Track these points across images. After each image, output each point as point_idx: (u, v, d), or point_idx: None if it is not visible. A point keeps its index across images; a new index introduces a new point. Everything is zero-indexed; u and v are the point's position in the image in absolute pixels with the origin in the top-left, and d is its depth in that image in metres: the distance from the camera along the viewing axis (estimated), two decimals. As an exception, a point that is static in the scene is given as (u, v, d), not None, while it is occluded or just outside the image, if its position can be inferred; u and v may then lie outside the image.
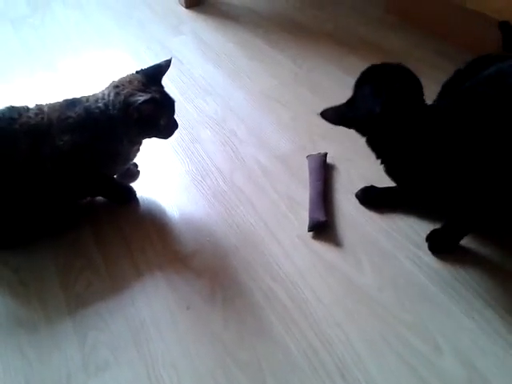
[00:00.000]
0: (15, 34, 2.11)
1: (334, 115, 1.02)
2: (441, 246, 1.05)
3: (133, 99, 1.04)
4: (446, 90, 1.05)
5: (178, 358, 0.92)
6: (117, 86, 1.07)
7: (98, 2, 2.32)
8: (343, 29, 1.89)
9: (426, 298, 0.97)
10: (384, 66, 0.99)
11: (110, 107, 1.06)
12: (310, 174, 1.25)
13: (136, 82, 1.08)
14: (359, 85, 1.01)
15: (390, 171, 1.05)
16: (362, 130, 1.02)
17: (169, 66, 1.15)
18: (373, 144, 1.03)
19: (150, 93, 1.07)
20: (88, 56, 1.91)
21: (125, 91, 1.06)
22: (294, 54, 1.78)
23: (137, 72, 1.14)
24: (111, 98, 1.06)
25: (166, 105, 1.11)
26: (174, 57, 1.80)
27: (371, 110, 0.94)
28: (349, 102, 1.01)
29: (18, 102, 1.11)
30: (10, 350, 0.96)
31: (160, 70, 1.14)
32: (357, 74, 1.57)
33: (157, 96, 1.07)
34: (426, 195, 1.05)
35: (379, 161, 1.04)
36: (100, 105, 1.07)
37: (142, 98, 1.04)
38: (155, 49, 1.91)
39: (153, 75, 1.12)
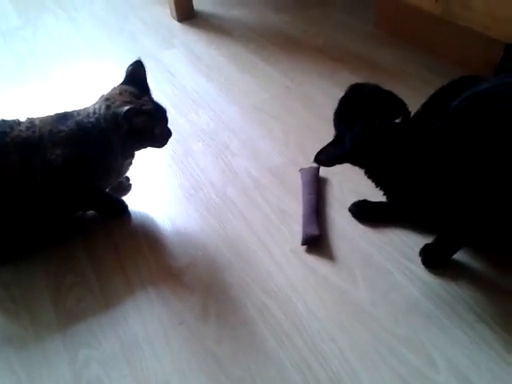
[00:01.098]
0: (6, 47, 2.11)
1: (326, 158, 1.03)
2: (434, 260, 1.05)
3: (119, 110, 1.04)
4: (426, 110, 1.03)
5: (171, 376, 0.91)
6: (107, 99, 1.07)
7: (90, 15, 2.33)
8: (333, 43, 1.90)
9: (420, 312, 0.97)
10: (357, 91, 1.00)
11: (102, 121, 1.06)
12: (303, 187, 1.25)
13: (127, 93, 1.09)
14: (337, 119, 1.03)
15: (389, 196, 1.06)
16: (356, 162, 1.03)
17: (142, 66, 1.16)
18: (371, 174, 1.04)
19: (141, 104, 1.07)
20: (79, 68, 1.91)
21: (115, 104, 1.05)
22: (286, 68, 1.79)
23: (122, 83, 1.14)
24: (102, 111, 1.06)
25: (158, 113, 1.11)
26: (166, 70, 1.84)
27: (355, 137, 0.95)
28: (334, 140, 1.03)
29: (9, 115, 1.11)
30: (0, 367, 0.94)
31: (138, 73, 1.14)
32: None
33: (141, 104, 1.07)
34: (420, 211, 1.05)
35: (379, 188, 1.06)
36: (92, 119, 1.07)
37: (125, 107, 1.03)
38: (147, 62, 1.85)
39: (137, 82, 1.13)
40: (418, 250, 1.07)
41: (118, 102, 1.05)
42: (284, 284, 1.05)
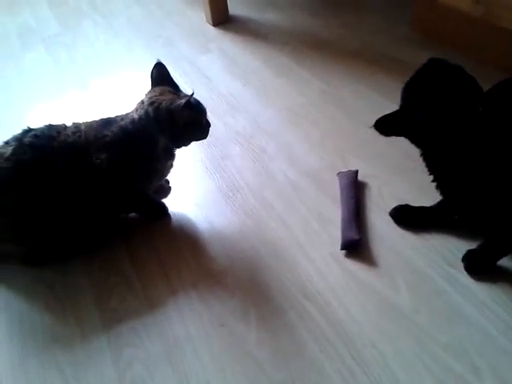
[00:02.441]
0: (47, 53, 2.17)
1: (387, 125, 0.98)
2: (477, 266, 1.03)
3: (174, 105, 1.06)
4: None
5: (212, 377, 0.92)
6: (152, 103, 1.09)
7: (127, 21, 2.37)
8: (369, 47, 1.89)
9: (463, 318, 0.96)
10: (438, 67, 0.97)
11: (151, 123, 1.09)
12: (342, 191, 1.25)
13: (166, 92, 1.11)
14: (409, 90, 0.99)
15: (440, 184, 1.03)
16: (419, 139, 0.99)
17: (164, 66, 1.18)
18: (430, 157, 1.00)
19: (184, 98, 1.09)
20: (118, 74, 1.96)
21: (163, 103, 1.08)
22: (321, 71, 1.78)
23: (153, 87, 1.16)
24: (151, 114, 1.08)
25: (199, 106, 1.14)
26: (203, 75, 1.86)
27: (432, 114, 0.92)
28: (400, 110, 0.98)
29: (51, 121, 1.14)
30: (48, 366, 0.97)
31: (164, 74, 1.17)
32: (385, 92, 1.58)
33: (190, 95, 1.09)
34: (471, 209, 1.02)
35: (431, 177, 1.03)
36: (138, 125, 1.09)
37: (182, 101, 1.06)
38: (184, 66, 1.94)
39: (166, 82, 1.16)
40: (461, 256, 1.05)
41: (165, 101, 1.08)
42: (324, 288, 1.05)
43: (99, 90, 1.85)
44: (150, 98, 1.11)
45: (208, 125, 1.18)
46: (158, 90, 1.13)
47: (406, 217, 1.16)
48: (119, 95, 1.79)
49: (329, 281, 1.06)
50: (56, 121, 1.15)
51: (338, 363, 0.91)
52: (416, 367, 0.89)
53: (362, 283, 1.05)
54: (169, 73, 1.18)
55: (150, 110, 1.08)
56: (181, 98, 1.08)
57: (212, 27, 2.21)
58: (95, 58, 2.09)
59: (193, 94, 1.09)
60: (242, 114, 1.63)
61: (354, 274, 1.07)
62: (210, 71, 1.88)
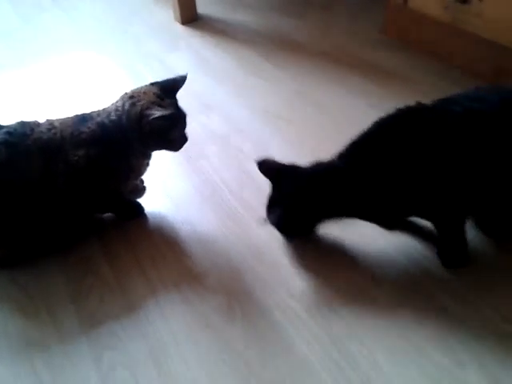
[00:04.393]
0: (6, 48, 2.08)
1: None
2: (451, 259, 1.07)
3: (148, 112, 1.03)
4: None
5: (200, 379, 0.90)
6: (132, 97, 1.06)
7: (92, 17, 2.31)
8: (341, 49, 1.91)
9: (445, 313, 0.98)
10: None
11: (124, 118, 1.05)
12: None
13: (151, 93, 1.08)
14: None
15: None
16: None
17: (184, 81, 1.14)
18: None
19: (164, 106, 1.06)
20: (84, 70, 1.90)
21: (141, 102, 1.05)
22: (295, 72, 1.79)
23: (152, 84, 1.13)
24: (126, 108, 1.05)
25: (178, 119, 1.11)
26: (173, 73, 1.82)
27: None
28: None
29: (13, 116, 1.09)
30: (24, 370, 0.93)
31: (175, 84, 1.13)
32: (358, 92, 1.60)
33: (171, 111, 1.06)
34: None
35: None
36: (114, 118, 1.06)
37: (157, 113, 1.03)
38: (153, 64, 1.90)
39: (167, 89, 1.12)
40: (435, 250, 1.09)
41: (143, 101, 1.04)
42: (308, 287, 1.04)
43: (63, 85, 1.79)
44: (133, 92, 1.08)
45: (183, 139, 1.14)
46: (144, 87, 1.10)
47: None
48: (87, 91, 1.74)
49: (312, 279, 1.06)
50: (18, 116, 1.09)
51: (327, 360, 0.91)
52: (403, 361, 0.90)
53: (344, 279, 1.05)
54: (180, 86, 1.13)
55: (127, 103, 1.05)
56: (160, 108, 1.04)
57: (180, 25, 2.18)
58: (58, 52, 2.02)
59: (170, 109, 1.06)
60: (216, 113, 1.61)
61: (336, 271, 1.07)
62: (181, 69, 1.84)
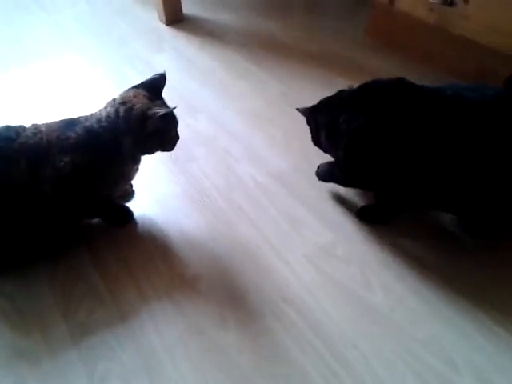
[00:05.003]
0: (-12, 50, 2.04)
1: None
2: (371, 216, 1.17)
3: (151, 112, 1.02)
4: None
5: (194, 387, 0.89)
6: (124, 102, 1.04)
7: (76, 19, 2.27)
8: (325, 50, 1.92)
9: (437, 315, 0.98)
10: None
11: (122, 123, 1.04)
12: None
13: (141, 96, 1.06)
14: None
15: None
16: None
17: (165, 79, 1.14)
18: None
19: (159, 106, 1.05)
20: (69, 72, 1.86)
21: (138, 105, 1.03)
22: (280, 73, 1.79)
23: (135, 87, 1.11)
24: (122, 114, 1.03)
25: (172, 117, 1.10)
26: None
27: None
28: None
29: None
30: (13, 383, 0.90)
31: (157, 83, 1.12)
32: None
33: (172, 109, 1.06)
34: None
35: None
36: (105, 124, 1.04)
37: (161, 111, 1.02)
38: (138, 66, 1.88)
39: (152, 90, 1.11)
40: (431, 253, 1.09)
41: (139, 104, 1.03)
42: (301, 291, 1.04)
43: (49, 90, 1.76)
44: (123, 97, 1.06)
45: (177, 137, 1.14)
46: (132, 91, 1.08)
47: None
48: (72, 93, 1.71)
49: (305, 283, 1.06)
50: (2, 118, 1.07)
51: (321, 365, 0.91)
52: (397, 365, 0.90)
53: (338, 284, 1.05)
54: (163, 85, 1.13)
55: (121, 109, 1.03)
56: (158, 107, 1.04)
57: (165, 26, 2.17)
58: (41, 54, 1.99)
59: (175, 107, 1.06)
60: (203, 114, 1.60)
61: (329, 275, 1.07)
62: (167, 71, 1.81)
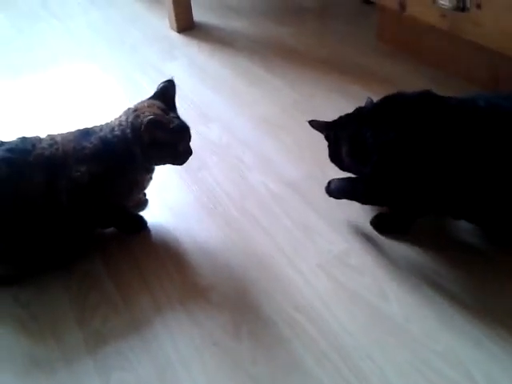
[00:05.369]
0: (1, 58, 2.07)
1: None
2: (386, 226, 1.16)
3: (142, 120, 1.02)
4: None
5: (209, 398, 0.89)
6: (135, 110, 1.05)
7: (88, 27, 2.29)
8: (337, 56, 1.91)
9: (453, 326, 0.97)
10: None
11: (128, 132, 1.04)
12: None
13: (155, 107, 1.07)
14: None
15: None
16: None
17: (175, 86, 1.14)
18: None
19: (169, 120, 1.06)
20: (81, 80, 1.88)
21: (144, 114, 1.04)
22: (292, 80, 1.79)
23: (150, 98, 1.12)
24: (130, 121, 1.04)
25: (182, 131, 1.10)
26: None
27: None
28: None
29: (10, 129, 1.08)
30: (29, 392, 0.91)
31: (169, 93, 1.13)
32: (357, 100, 1.59)
33: (174, 122, 1.07)
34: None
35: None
36: (117, 132, 1.05)
37: (151, 116, 1.02)
38: (150, 73, 1.89)
39: (165, 100, 1.12)
40: (445, 264, 1.08)
41: (146, 113, 1.04)
42: (315, 300, 1.04)
43: (62, 99, 1.77)
44: (137, 106, 1.07)
45: (187, 152, 1.13)
46: (147, 101, 1.09)
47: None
48: (84, 101, 1.73)
49: (319, 292, 1.05)
50: (15, 129, 1.08)
51: (336, 377, 0.90)
52: (413, 377, 0.90)
53: (352, 293, 1.05)
54: (175, 93, 1.14)
55: (131, 117, 1.04)
56: (157, 116, 1.04)
57: (177, 34, 2.18)
58: (54, 62, 2.01)
59: (174, 120, 1.07)
60: (215, 123, 1.60)
61: (343, 285, 1.06)
62: (179, 79, 1.78)
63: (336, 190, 1.18)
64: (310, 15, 2.26)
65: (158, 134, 1.05)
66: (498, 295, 1.02)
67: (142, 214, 1.25)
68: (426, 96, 1.04)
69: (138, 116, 1.05)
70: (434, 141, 0.98)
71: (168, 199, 1.31)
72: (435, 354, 0.93)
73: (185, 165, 1.39)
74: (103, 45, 2.13)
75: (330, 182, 1.19)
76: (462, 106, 1.00)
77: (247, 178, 1.37)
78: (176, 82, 1.84)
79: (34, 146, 1.03)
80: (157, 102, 1.08)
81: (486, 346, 0.94)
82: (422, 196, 1.04)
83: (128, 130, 1.05)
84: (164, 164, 1.14)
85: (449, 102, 1.02)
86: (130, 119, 1.05)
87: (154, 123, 1.02)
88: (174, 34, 2.18)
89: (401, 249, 1.13)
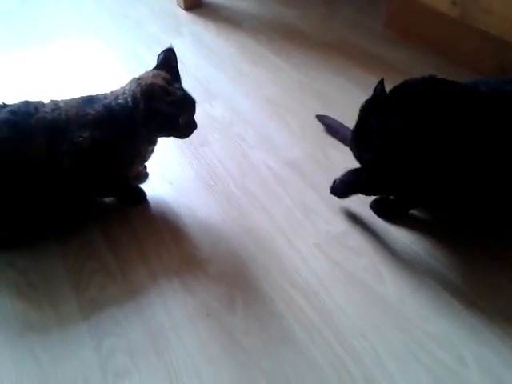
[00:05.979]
0: (5, 27, 2.04)
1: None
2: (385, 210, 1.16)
3: (139, 87, 1.02)
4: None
5: (201, 366, 0.89)
6: (139, 79, 1.05)
7: (94, 0, 2.27)
8: (344, 41, 1.90)
9: (447, 309, 0.98)
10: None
11: (130, 101, 1.04)
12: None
13: (159, 78, 1.06)
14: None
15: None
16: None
17: (175, 55, 1.13)
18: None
19: (172, 91, 1.05)
20: (84, 51, 1.87)
21: (146, 83, 1.03)
22: (297, 62, 1.78)
23: (154, 69, 1.12)
24: (133, 89, 1.04)
25: (185, 103, 1.09)
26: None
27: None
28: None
29: (11, 94, 1.07)
30: (21, 353, 0.91)
31: (171, 63, 1.12)
32: (362, 85, 1.59)
33: (176, 93, 1.06)
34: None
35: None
36: (120, 101, 1.04)
37: (145, 84, 1.02)
38: (155, 49, 1.85)
39: (169, 69, 1.11)
40: (443, 249, 1.08)
41: (148, 82, 1.03)
42: (311, 278, 1.04)
43: (66, 71, 1.76)
44: (142, 76, 1.06)
45: (190, 126, 1.12)
46: (153, 72, 1.08)
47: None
48: (86, 72, 1.72)
49: (315, 271, 1.05)
50: (16, 94, 1.07)
51: (328, 352, 0.91)
52: (405, 357, 0.90)
53: (348, 274, 1.05)
54: (176, 61, 1.13)
55: (134, 86, 1.04)
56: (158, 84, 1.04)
57: (183, 11, 2.16)
58: (59, 33, 1.99)
59: (181, 88, 1.06)
60: (219, 100, 1.59)
61: (340, 265, 1.07)
62: (184, 56, 1.83)
63: (340, 185, 1.16)
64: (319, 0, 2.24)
65: (154, 103, 1.03)
66: (493, 282, 1.03)
67: (142, 186, 1.25)
68: (430, 82, 1.03)
69: (138, 84, 1.04)
70: (436, 128, 0.98)
71: (168, 173, 1.31)
72: (428, 336, 0.93)
73: (186, 140, 1.39)
74: (108, 18, 2.11)
75: (334, 181, 1.18)
76: (465, 93, 0.99)
77: (248, 156, 1.37)
78: (181, 58, 1.81)
79: (36, 109, 1.02)
80: (162, 73, 1.08)
81: (479, 329, 0.94)
82: (422, 184, 1.04)
83: (129, 99, 1.04)
84: (165, 136, 1.13)
85: (452, 89, 1.01)
86: (132, 87, 1.05)
87: (148, 91, 1.02)
88: (181, 12, 2.16)
89: (399, 233, 1.13)
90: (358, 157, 1.11)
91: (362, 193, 1.15)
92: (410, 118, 0.99)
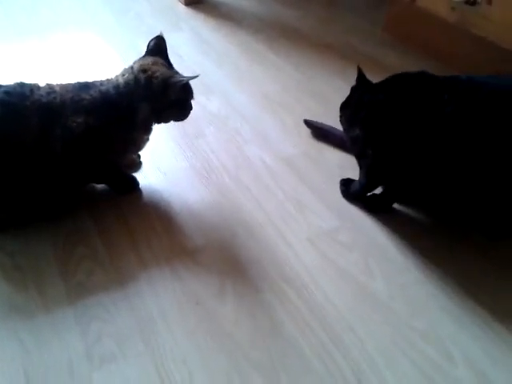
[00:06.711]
0: (4, 16, 2.03)
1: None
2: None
3: (173, 80, 1.05)
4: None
5: (188, 354, 0.88)
6: (144, 70, 1.05)
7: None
8: (342, 43, 1.91)
9: (436, 306, 0.98)
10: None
11: (141, 91, 1.05)
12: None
13: (160, 63, 1.07)
14: None
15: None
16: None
17: (164, 41, 1.15)
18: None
19: (178, 74, 1.09)
20: (83, 42, 1.86)
21: (158, 73, 1.04)
22: (296, 61, 1.78)
23: (148, 55, 1.12)
24: (143, 82, 1.04)
25: (190, 87, 1.13)
26: (174, 53, 1.80)
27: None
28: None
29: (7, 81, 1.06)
30: (6, 335, 0.90)
31: (162, 49, 1.14)
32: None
33: (189, 77, 1.08)
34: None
35: None
36: (123, 90, 1.04)
37: (183, 79, 1.06)
38: (154, 42, 1.87)
39: (162, 55, 1.13)
40: (435, 244, 1.08)
41: (161, 73, 1.05)
42: (302, 272, 1.04)
43: (64, 62, 1.75)
44: (142, 65, 1.06)
45: (190, 108, 1.15)
46: (150, 59, 1.09)
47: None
48: (84, 63, 1.71)
49: (306, 265, 1.05)
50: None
51: (316, 344, 0.90)
52: (393, 351, 0.90)
53: (339, 269, 1.05)
54: (166, 48, 1.14)
55: (142, 76, 1.04)
56: (179, 76, 1.07)
57: (183, 6, 2.16)
58: (58, 23, 1.98)
59: (197, 76, 1.07)
60: (216, 95, 1.59)
61: (331, 260, 1.07)
62: (182, 50, 1.83)
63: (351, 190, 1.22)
64: (319, 1, 2.25)
65: (182, 93, 1.08)
66: (482, 278, 1.04)
67: (135, 175, 1.24)
68: (418, 73, 1.10)
69: (151, 76, 1.05)
70: (418, 105, 1.02)
71: (162, 163, 1.30)
72: (416, 332, 0.93)
73: (181, 131, 1.40)
74: (108, 11, 2.10)
75: (344, 184, 1.24)
76: (445, 79, 1.06)
77: (243, 150, 1.36)
78: (179, 52, 1.84)
79: (31, 91, 1.01)
80: (159, 60, 1.08)
81: (467, 326, 0.95)
82: (406, 164, 1.06)
83: (140, 89, 1.05)
84: (170, 121, 1.14)
85: (435, 77, 1.08)
86: (141, 80, 1.05)
87: (184, 85, 1.06)
88: (181, 7, 2.16)
89: (391, 229, 1.14)
90: (346, 130, 1.16)
91: (363, 186, 1.18)
92: (394, 94, 1.06)
